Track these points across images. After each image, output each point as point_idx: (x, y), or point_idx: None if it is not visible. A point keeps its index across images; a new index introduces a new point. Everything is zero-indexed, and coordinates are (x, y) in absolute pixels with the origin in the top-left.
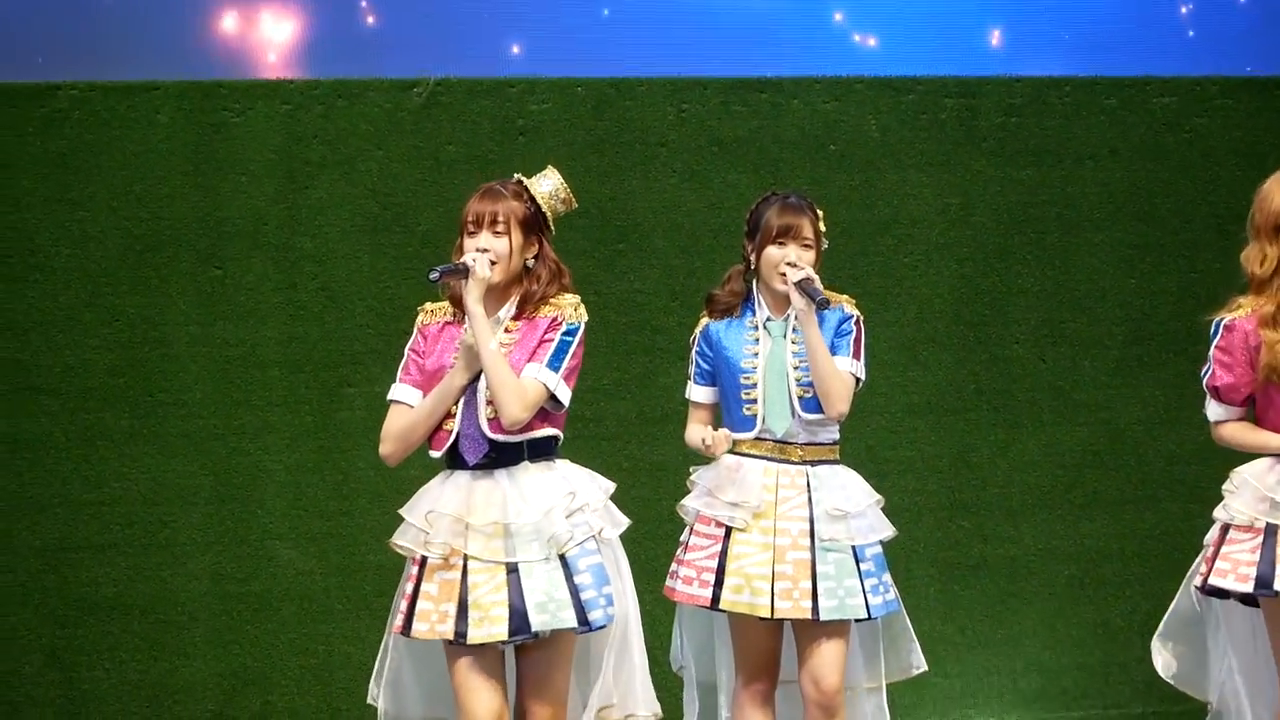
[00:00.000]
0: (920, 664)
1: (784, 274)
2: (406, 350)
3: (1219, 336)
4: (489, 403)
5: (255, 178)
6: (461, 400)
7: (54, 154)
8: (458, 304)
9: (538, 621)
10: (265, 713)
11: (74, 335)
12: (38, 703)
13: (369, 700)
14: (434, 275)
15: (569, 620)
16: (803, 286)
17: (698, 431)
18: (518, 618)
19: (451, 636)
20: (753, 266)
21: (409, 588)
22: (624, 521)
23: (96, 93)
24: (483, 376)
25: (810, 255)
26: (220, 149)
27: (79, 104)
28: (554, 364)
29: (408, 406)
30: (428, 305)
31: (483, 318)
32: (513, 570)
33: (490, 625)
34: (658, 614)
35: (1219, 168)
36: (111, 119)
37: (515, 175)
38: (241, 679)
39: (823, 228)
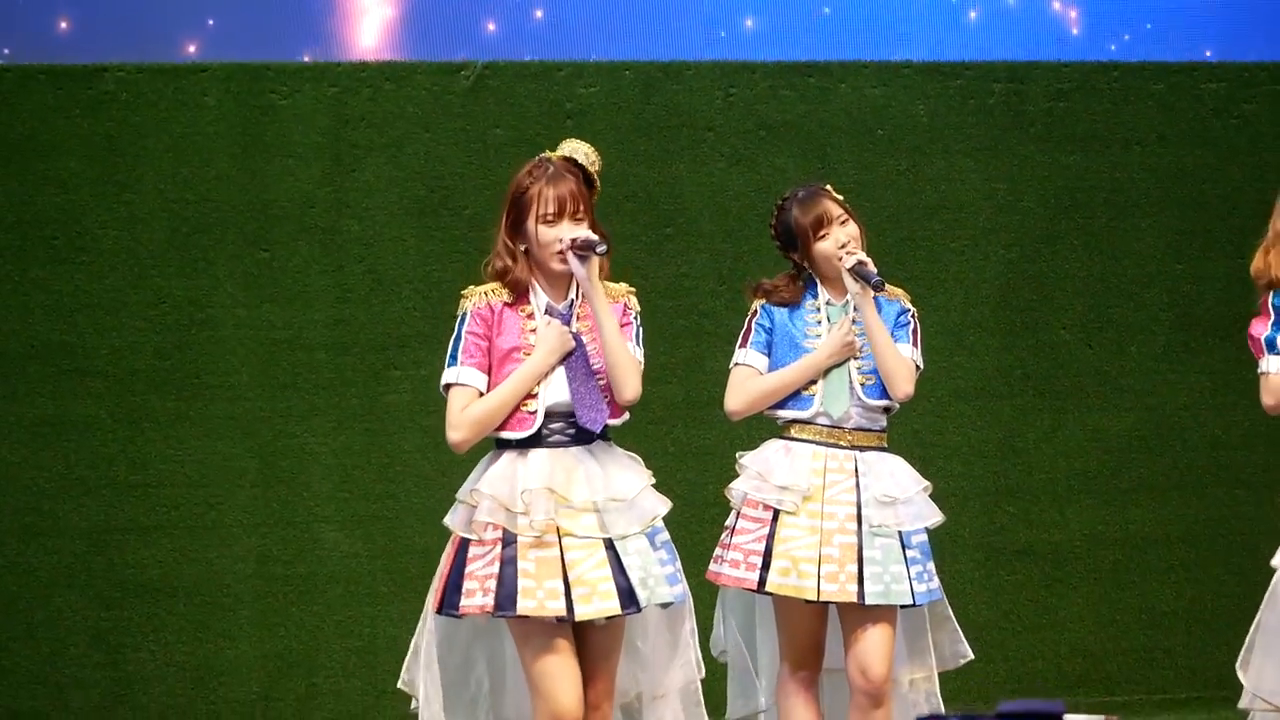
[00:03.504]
0: (966, 653)
1: (842, 258)
2: (463, 334)
3: None
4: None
5: (302, 160)
6: (568, 379)
7: (101, 136)
8: (517, 287)
9: (642, 597)
10: (310, 695)
11: (120, 317)
12: (83, 684)
13: (401, 685)
14: (602, 249)
15: (664, 596)
16: (857, 271)
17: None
18: (623, 593)
19: (564, 614)
20: (807, 268)
21: (492, 568)
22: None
23: (144, 75)
24: (588, 356)
25: (853, 227)
26: (267, 131)
27: (126, 86)
28: (636, 348)
29: (476, 391)
30: (470, 289)
31: (604, 297)
32: (609, 546)
33: (600, 600)
34: (703, 597)
35: (1267, 153)
36: (159, 101)
37: (546, 154)
38: (286, 661)
39: (840, 198)
